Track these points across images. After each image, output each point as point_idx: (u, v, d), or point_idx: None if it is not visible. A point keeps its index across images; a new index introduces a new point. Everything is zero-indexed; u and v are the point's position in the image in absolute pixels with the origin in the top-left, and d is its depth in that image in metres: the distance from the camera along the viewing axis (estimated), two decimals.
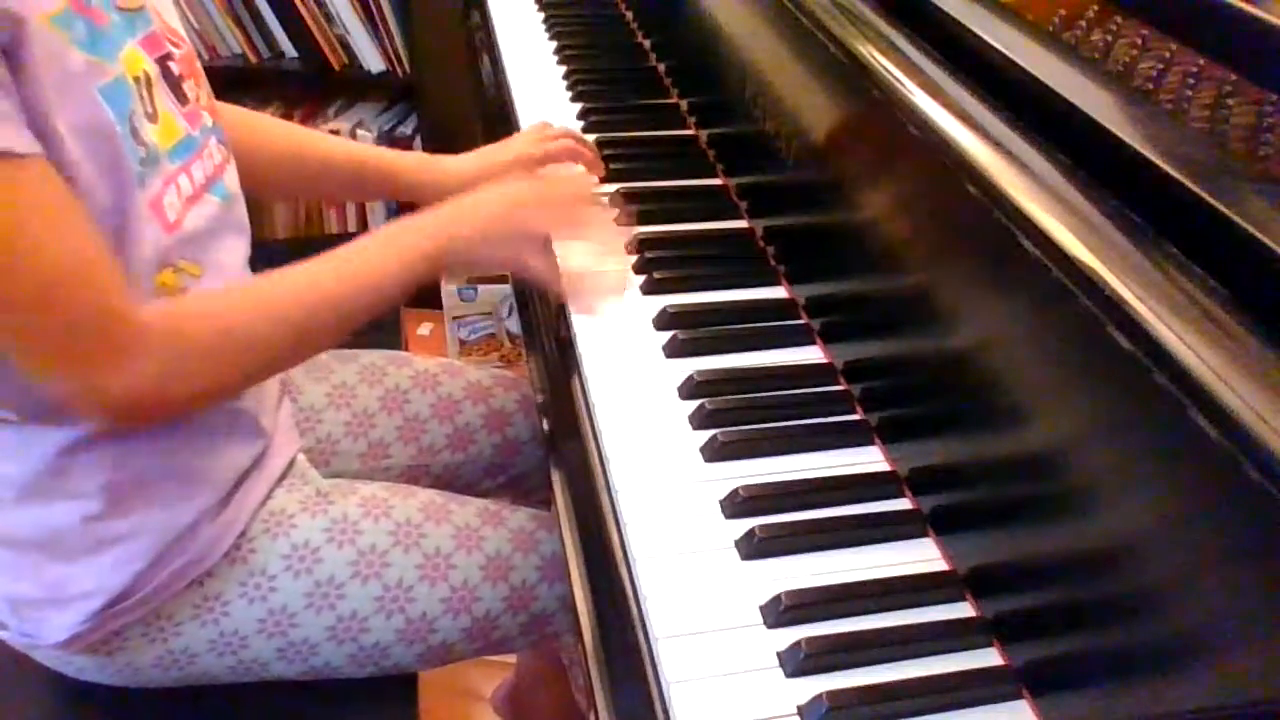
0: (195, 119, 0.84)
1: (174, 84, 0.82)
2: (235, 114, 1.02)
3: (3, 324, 0.71)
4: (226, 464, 0.87)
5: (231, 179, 0.89)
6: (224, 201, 0.86)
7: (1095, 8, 0.79)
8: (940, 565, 0.71)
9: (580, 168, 1.11)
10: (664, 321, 0.90)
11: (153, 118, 0.79)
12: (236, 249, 0.88)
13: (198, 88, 0.86)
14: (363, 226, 2.35)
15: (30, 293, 0.69)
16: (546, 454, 0.86)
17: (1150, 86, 0.68)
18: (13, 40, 0.66)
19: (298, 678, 0.91)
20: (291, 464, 0.95)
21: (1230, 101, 0.65)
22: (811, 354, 0.89)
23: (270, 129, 1.07)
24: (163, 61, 0.81)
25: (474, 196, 0.91)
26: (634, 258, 0.99)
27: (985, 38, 0.74)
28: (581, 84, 1.31)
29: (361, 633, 0.89)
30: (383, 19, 2.14)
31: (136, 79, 0.77)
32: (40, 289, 0.69)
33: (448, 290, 2.06)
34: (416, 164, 1.09)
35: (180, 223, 0.80)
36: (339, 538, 0.89)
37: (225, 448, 0.87)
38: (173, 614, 0.86)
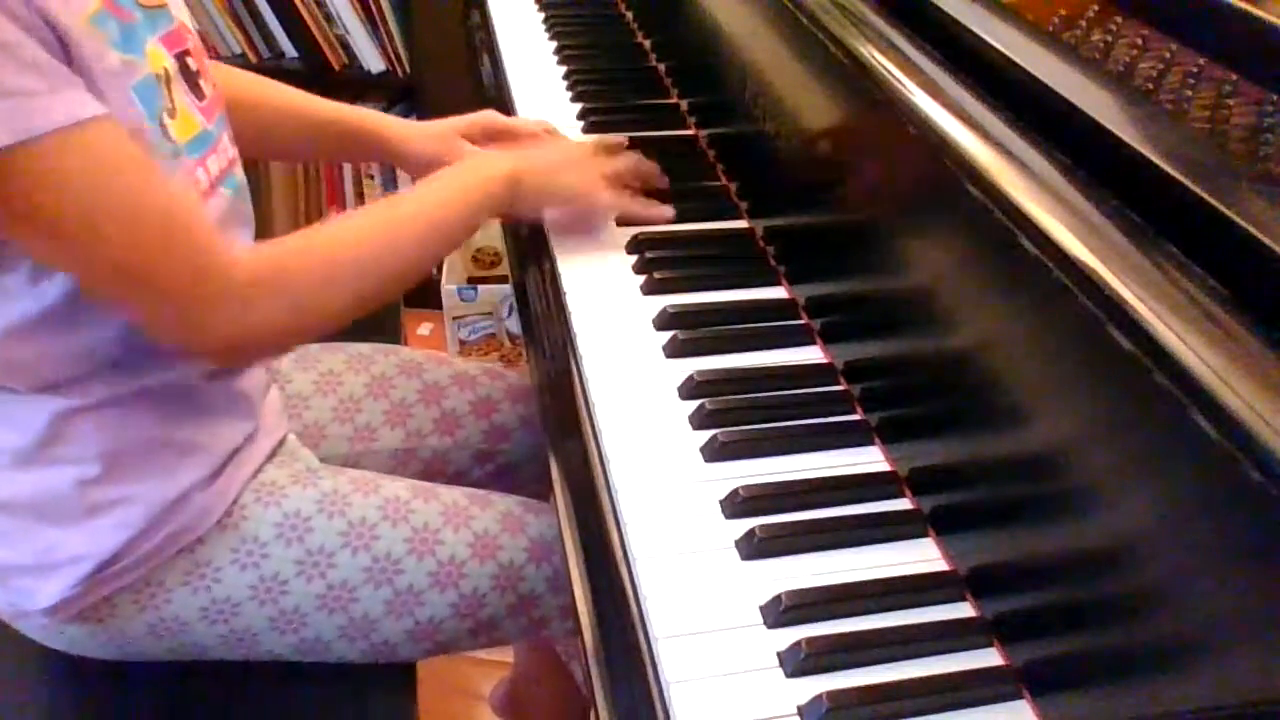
0: (211, 113, 0.86)
1: (191, 79, 0.84)
2: (232, 74, 1.04)
3: (126, 271, 0.74)
4: (221, 438, 0.88)
5: (240, 171, 0.91)
6: (234, 194, 0.88)
7: (1095, 8, 0.79)
8: (940, 565, 0.71)
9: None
10: (664, 321, 0.90)
11: (172, 113, 0.80)
12: (243, 243, 0.90)
13: (208, 79, 0.88)
14: None
15: (150, 237, 0.73)
16: (546, 453, 0.86)
17: (1150, 86, 0.68)
18: (58, 42, 0.69)
19: (291, 655, 0.91)
20: (281, 443, 0.96)
21: (1230, 101, 0.65)
22: (811, 354, 0.89)
23: (268, 89, 1.08)
24: (181, 58, 0.83)
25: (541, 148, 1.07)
26: (634, 257, 0.99)
27: (985, 38, 0.74)
28: (581, 84, 1.31)
29: (351, 603, 0.89)
30: (383, 19, 2.14)
31: (159, 75, 0.79)
32: (158, 233, 0.74)
33: (448, 290, 2.06)
34: (411, 133, 1.12)
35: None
36: (329, 509, 0.90)
37: (221, 423, 0.88)
38: (164, 580, 0.86)
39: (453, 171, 0.95)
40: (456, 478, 1.10)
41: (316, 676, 0.93)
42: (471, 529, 0.93)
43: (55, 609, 0.85)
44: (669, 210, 1.02)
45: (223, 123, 0.88)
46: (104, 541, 0.83)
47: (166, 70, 0.80)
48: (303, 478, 0.92)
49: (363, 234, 0.87)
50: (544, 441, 0.88)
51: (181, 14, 0.87)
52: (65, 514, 0.83)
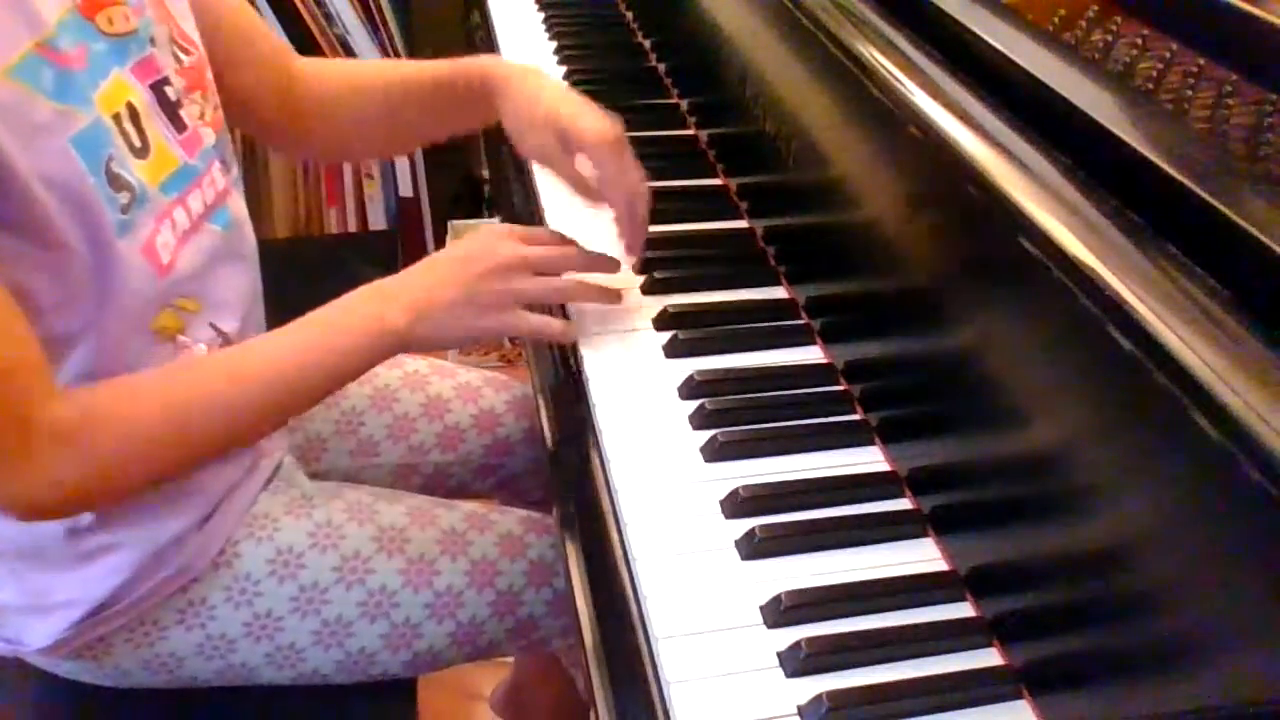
0: (194, 145, 0.81)
1: (170, 110, 0.79)
2: (339, 67, 1.00)
3: None
4: (218, 476, 0.86)
5: (236, 204, 0.86)
6: (225, 230, 0.83)
7: (1095, 8, 0.79)
8: (940, 565, 0.71)
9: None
10: (664, 321, 0.90)
11: (142, 152, 0.75)
12: (238, 280, 0.86)
13: (203, 101, 0.83)
14: (363, 226, 2.35)
15: None
16: (546, 454, 0.86)
17: (1150, 86, 0.68)
18: None
19: (289, 683, 0.91)
20: (278, 467, 0.94)
21: (1230, 101, 0.65)
22: (811, 354, 0.88)
23: (382, 68, 1.02)
24: (158, 87, 0.78)
25: (438, 259, 0.86)
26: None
27: (985, 38, 0.74)
28: (581, 84, 1.31)
29: (347, 638, 0.88)
30: (383, 19, 2.14)
31: (117, 115, 0.74)
32: None
33: None
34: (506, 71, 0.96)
35: (174, 264, 0.77)
36: (323, 542, 0.88)
37: (220, 463, 0.85)
38: (158, 619, 0.85)
39: (328, 315, 0.80)
40: (458, 490, 1.09)
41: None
42: (469, 556, 0.91)
43: (50, 648, 0.84)
44: (571, 333, 0.87)
45: (210, 154, 0.83)
46: (96, 587, 0.81)
47: (133, 106, 0.75)
48: (296, 507, 0.90)
49: (201, 382, 0.77)
50: (543, 444, 0.87)
51: (184, 22, 0.82)
52: (56, 559, 0.81)
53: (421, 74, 1.00)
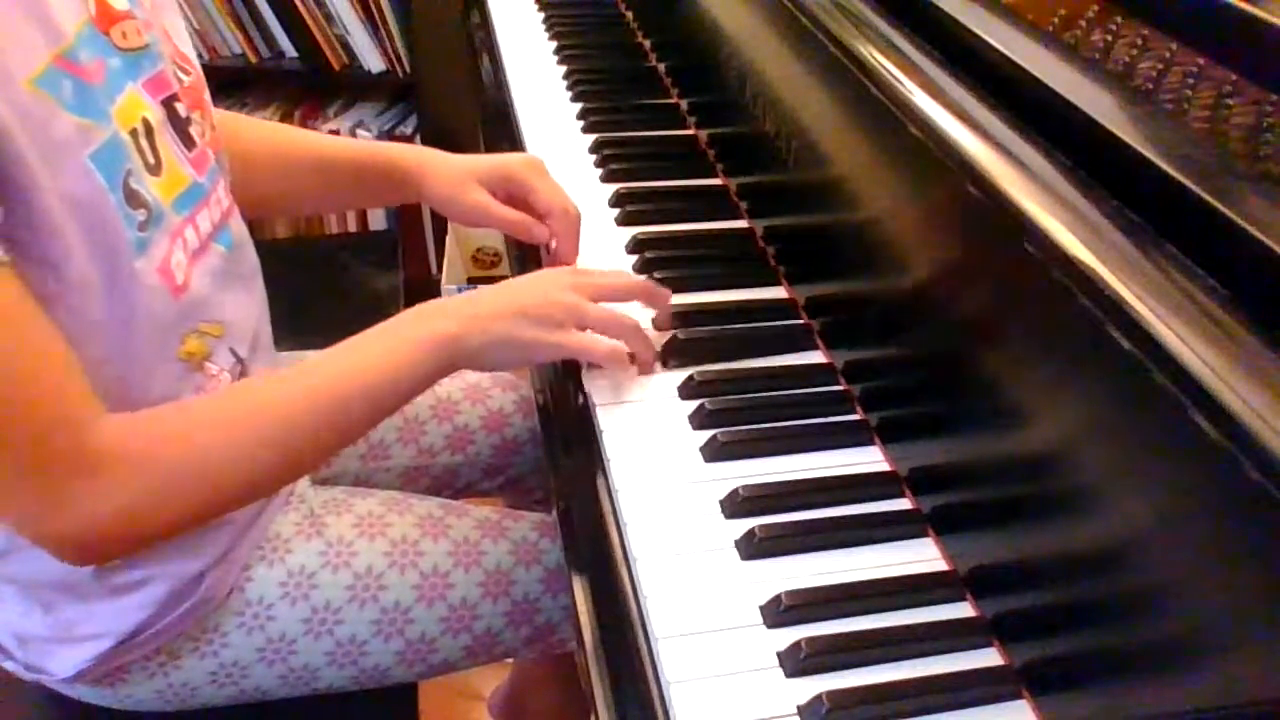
0: (202, 163, 0.79)
1: (180, 128, 0.78)
2: (239, 127, 0.97)
3: None
4: (246, 508, 0.84)
5: (238, 224, 0.85)
6: (229, 250, 0.82)
7: (1095, 8, 0.79)
8: (940, 565, 0.71)
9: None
10: None
11: (155, 169, 0.73)
12: (246, 301, 0.85)
13: (204, 120, 0.82)
14: (363, 227, 2.35)
15: None
16: (546, 455, 0.86)
17: (1150, 86, 0.68)
18: None
19: (297, 695, 0.90)
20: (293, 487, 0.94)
21: (1230, 101, 0.65)
22: (812, 354, 0.89)
23: (279, 134, 1.02)
24: (169, 103, 0.77)
25: (499, 285, 0.85)
26: (634, 257, 0.98)
27: (985, 38, 0.74)
28: (581, 84, 1.31)
29: (361, 656, 0.88)
30: (383, 19, 2.14)
31: (133, 131, 0.72)
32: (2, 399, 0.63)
33: (448, 290, 2.06)
34: (427, 168, 0.99)
35: (188, 283, 0.76)
36: (334, 561, 0.88)
37: None
38: (174, 649, 0.85)
39: (379, 334, 0.79)
40: (465, 490, 1.09)
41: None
42: (483, 567, 0.90)
43: (70, 678, 0.84)
44: (654, 361, 0.85)
45: (216, 173, 0.82)
46: (125, 620, 0.81)
47: (148, 121, 0.73)
48: (306, 527, 0.89)
49: (252, 409, 0.74)
50: (544, 444, 0.87)
51: (181, 42, 0.81)
52: (84, 594, 0.80)
53: (342, 153, 1.02)
